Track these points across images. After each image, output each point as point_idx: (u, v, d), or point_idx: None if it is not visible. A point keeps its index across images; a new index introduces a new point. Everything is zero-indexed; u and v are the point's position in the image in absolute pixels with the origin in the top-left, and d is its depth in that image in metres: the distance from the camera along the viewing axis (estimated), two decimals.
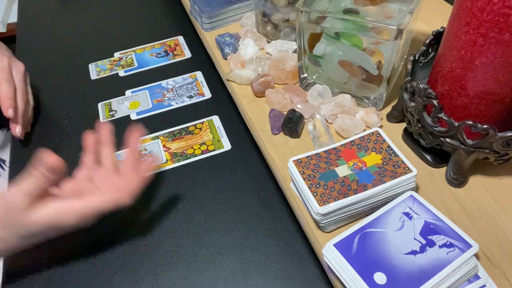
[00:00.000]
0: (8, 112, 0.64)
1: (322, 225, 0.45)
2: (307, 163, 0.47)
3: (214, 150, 0.67)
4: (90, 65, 0.84)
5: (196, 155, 0.66)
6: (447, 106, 0.47)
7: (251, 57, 0.67)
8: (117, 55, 0.86)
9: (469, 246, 0.39)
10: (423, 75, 0.54)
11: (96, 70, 0.83)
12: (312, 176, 0.46)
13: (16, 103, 0.66)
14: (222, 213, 0.58)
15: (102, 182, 0.52)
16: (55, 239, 0.56)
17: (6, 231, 0.45)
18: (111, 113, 0.74)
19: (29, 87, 0.72)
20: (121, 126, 0.71)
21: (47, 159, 0.43)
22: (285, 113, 0.58)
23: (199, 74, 0.80)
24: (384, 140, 0.49)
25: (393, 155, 0.47)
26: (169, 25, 0.93)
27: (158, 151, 0.67)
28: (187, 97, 0.76)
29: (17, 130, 0.66)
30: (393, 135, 0.55)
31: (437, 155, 0.51)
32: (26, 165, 0.66)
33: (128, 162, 0.53)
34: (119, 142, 0.69)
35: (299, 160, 0.48)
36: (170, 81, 0.79)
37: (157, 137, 0.69)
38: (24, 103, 0.68)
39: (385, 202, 0.45)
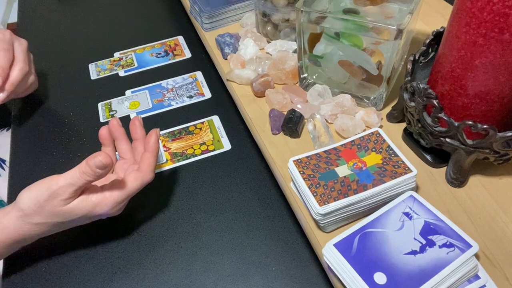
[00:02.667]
0: None
1: (322, 225, 0.45)
2: (307, 163, 0.47)
3: (214, 150, 0.67)
4: (90, 65, 0.84)
5: (196, 155, 0.66)
6: (447, 106, 0.47)
7: (251, 57, 0.67)
8: (117, 55, 0.86)
9: (469, 246, 0.39)
10: (423, 75, 0.54)
11: (96, 70, 0.83)
12: (312, 176, 0.46)
13: (10, 71, 0.66)
14: (222, 213, 0.58)
15: (122, 171, 0.55)
16: (55, 239, 0.56)
17: (44, 218, 0.48)
18: (111, 113, 0.74)
19: (31, 61, 0.72)
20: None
21: (101, 157, 0.45)
22: (285, 113, 0.58)
23: (199, 74, 0.80)
24: (384, 140, 0.49)
25: (393, 155, 0.47)
26: (169, 25, 0.93)
27: None
28: (187, 97, 0.76)
29: (0, 95, 0.66)
30: (393, 135, 0.55)
31: (437, 155, 0.51)
32: (26, 165, 0.67)
33: (137, 144, 0.57)
34: None
35: (299, 160, 0.48)
36: (170, 81, 0.79)
37: None
38: (21, 73, 0.67)
39: (385, 202, 0.45)
